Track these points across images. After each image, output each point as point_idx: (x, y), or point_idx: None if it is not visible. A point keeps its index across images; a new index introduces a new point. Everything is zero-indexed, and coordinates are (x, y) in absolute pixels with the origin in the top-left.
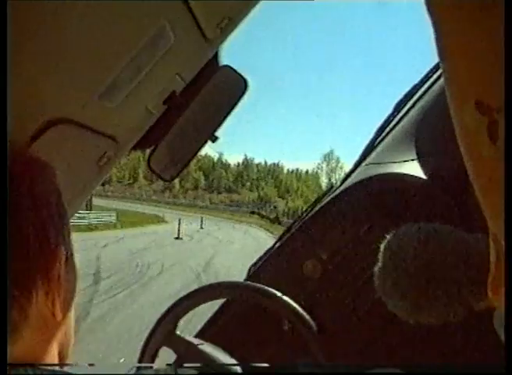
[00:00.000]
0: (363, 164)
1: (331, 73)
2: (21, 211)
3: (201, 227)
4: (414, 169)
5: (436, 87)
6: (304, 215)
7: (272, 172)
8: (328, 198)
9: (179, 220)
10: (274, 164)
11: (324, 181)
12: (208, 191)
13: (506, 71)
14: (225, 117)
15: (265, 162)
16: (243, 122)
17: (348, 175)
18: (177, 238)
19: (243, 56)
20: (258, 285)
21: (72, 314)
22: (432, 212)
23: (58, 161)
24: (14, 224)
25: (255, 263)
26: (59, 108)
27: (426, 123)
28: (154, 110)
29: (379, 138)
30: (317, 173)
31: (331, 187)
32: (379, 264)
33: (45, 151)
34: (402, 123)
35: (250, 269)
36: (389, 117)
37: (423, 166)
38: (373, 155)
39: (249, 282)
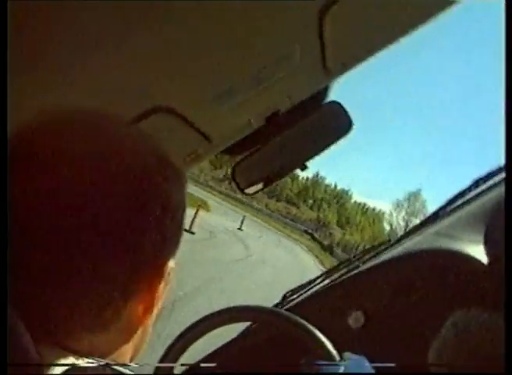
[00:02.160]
0: (430, 230)
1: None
2: (139, 209)
3: (240, 228)
4: (479, 252)
5: None
6: (360, 258)
7: (339, 198)
8: (389, 255)
9: (197, 209)
10: (343, 190)
11: (395, 223)
12: (268, 196)
13: (506, 71)
14: (321, 151)
15: (335, 186)
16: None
17: (410, 232)
18: (187, 231)
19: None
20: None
21: (152, 317)
22: (488, 300)
23: None
24: (129, 223)
25: (293, 291)
26: (166, 97)
27: (500, 212)
28: (255, 123)
29: (452, 207)
30: (383, 212)
31: (397, 239)
32: (441, 337)
33: None
34: (478, 202)
35: (284, 296)
36: (466, 189)
37: (488, 253)
38: (442, 223)
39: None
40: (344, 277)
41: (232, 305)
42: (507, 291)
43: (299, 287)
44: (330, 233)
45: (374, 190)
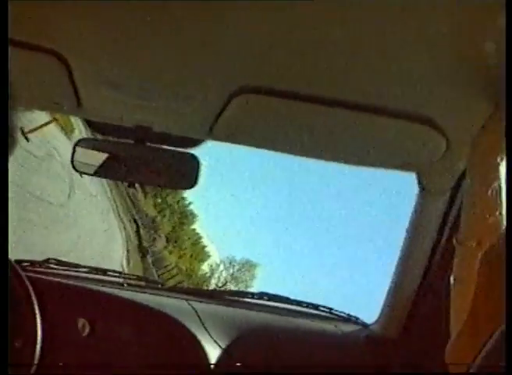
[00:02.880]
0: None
1: None
2: None
3: None
4: None
5: None
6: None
7: (184, 215)
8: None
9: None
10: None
11: (216, 274)
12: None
13: (506, 70)
14: (152, 184)
15: (189, 203)
16: None
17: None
18: None
19: None
20: None
21: None
22: None
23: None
24: None
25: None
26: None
27: None
28: (127, 121)
29: None
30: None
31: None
32: None
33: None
34: None
35: None
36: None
37: None
38: None
39: None
40: (105, 289)
41: None
42: (507, 290)
43: (65, 262)
44: (154, 239)
45: (223, 235)
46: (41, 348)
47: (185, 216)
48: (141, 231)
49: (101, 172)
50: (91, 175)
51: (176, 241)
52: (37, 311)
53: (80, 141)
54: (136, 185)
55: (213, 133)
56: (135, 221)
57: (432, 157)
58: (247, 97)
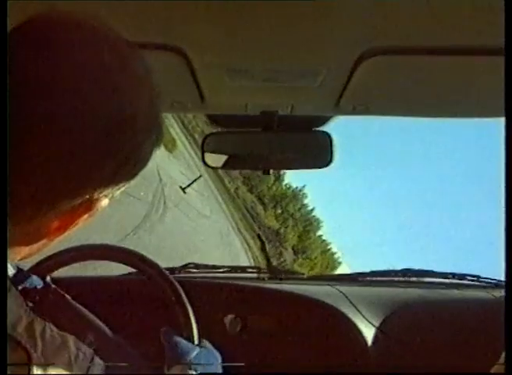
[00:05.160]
0: None
1: None
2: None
3: (183, 190)
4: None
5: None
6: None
7: (308, 223)
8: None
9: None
10: (316, 218)
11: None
12: (243, 182)
13: (506, 70)
14: (290, 168)
15: (312, 209)
16: None
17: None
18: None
19: None
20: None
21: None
22: None
23: None
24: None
25: (196, 265)
26: (183, 40)
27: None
28: (250, 110)
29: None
30: (340, 262)
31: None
32: None
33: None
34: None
35: (187, 264)
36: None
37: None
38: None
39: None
40: (249, 283)
41: None
42: (507, 291)
43: (204, 265)
44: (281, 253)
45: (347, 242)
46: None
47: (309, 224)
48: (266, 246)
49: (232, 164)
50: (223, 168)
51: (304, 252)
52: (190, 312)
53: (207, 136)
54: (254, 199)
55: (340, 107)
56: (259, 237)
57: None
58: (374, 61)
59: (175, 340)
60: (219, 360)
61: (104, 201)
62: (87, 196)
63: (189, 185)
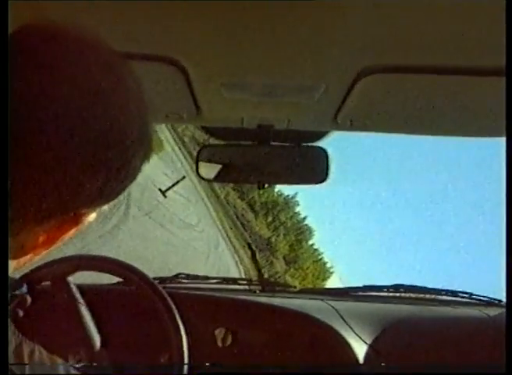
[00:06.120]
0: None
1: None
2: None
3: (164, 193)
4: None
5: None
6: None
7: (300, 232)
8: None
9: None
10: (308, 227)
11: None
12: (233, 187)
13: (506, 70)
14: (285, 183)
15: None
16: None
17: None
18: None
19: None
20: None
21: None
22: None
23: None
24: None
25: (187, 275)
26: (178, 51)
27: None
28: (246, 123)
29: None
30: (331, 272)
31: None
32: None
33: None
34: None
35: (177, 275)
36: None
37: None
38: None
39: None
40: (240, 296)
41: None
42: (507, 290)
43: (194, 275)
44: (272, 263)
45: (339, 251)
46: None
47: (301, 233)
48: (257, 256)
49: (227, 177)
50: (217, 181)
51: (295, 262)
52: (180, 325)
53: (202, 148)
54: (244, 206)
55: (337, 123)
56: (249, 246)
57: None
58: (373, 78)
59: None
60: None
61: (92, 216)
62: (75, 211)
63: (170, 187)
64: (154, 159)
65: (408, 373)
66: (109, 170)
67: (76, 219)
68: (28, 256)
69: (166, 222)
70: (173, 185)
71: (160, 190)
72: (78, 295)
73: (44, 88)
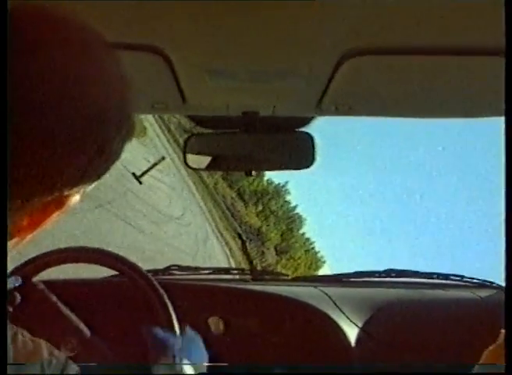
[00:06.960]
0: None
1: None
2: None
3: (138, 179)
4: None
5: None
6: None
7: (291, 220)
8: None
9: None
10: (299, 215)
11: None
12: (222, 176)
13: (506, 69)
14: (272, 169)
15: (295, 206)
16: None
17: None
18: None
19: None
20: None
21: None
22: None
23: None
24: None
25: (179, 267)
26: (161, 39)
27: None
28: (232, 111)
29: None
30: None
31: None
32: None
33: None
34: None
35: (169, 267)
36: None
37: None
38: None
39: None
40: (233, 285)
41: None
42: (507, 289)
43: (187, 266)
44: (263, 253)
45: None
46: None
47: (292, 222)
48: (248, 246)
49: (215, 165)
50: (205, 170)
51: (287, 252)
52: (173, 315)
53: (189, 137)
54: (234, 195)
55: (322, 108)
56: (239, 236)
57: None
58: (358, 60)
59: (157, 335)
60: (203, 347)
61: (75, 198)
62: (59, 192)
63: (146, 171)
64: (133, 143)
65: (408, 373)
66: (91, 150)
67: (60, 201)
68: (13, 241)
69: (136, 215)
70: (150, 168)
71: (133, 174)
72: (48, 293)
73: (25, 68)
